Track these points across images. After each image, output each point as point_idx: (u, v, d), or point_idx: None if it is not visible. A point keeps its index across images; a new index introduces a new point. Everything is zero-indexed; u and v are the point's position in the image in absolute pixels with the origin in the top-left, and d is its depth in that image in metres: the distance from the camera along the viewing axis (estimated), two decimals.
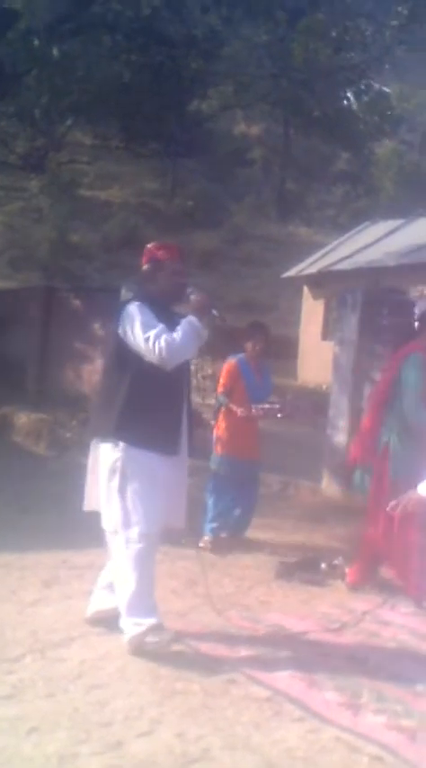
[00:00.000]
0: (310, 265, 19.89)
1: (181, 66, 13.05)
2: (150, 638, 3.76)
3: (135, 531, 3.79)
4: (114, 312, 4.05)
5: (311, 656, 3.94)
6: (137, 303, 3.96)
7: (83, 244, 25.53)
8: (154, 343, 3.80)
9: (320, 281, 18.85)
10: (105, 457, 3.91)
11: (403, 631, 4.39)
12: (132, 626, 3.77)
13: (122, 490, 3.83)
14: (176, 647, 3.86)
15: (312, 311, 19.18)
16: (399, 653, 4.09)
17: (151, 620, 3.76)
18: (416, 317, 5.38)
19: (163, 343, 3.79)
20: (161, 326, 3.85)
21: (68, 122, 20.00)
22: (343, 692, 3.52)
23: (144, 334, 3.83)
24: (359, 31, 13.94)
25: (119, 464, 3.84)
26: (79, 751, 2.85)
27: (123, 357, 3.94)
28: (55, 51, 10.54)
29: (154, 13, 11.20)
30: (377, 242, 19.20)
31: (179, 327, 3.88)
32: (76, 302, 11.87)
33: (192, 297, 4.01)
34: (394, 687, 3.62)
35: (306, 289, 19.71)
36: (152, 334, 3.82)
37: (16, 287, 17.84)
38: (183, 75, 13.43)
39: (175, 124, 15.86)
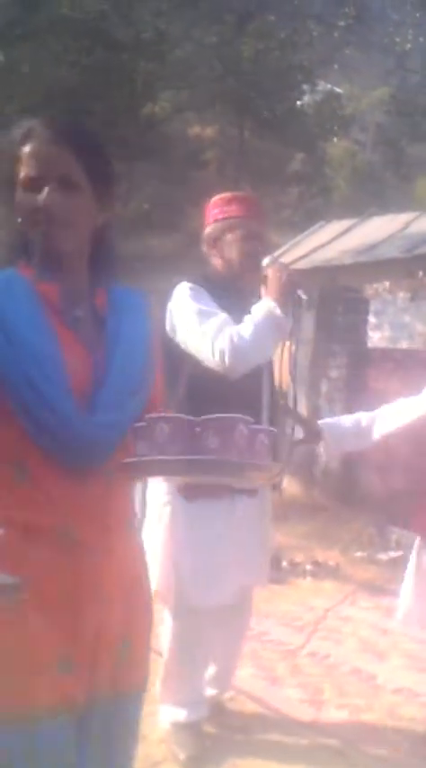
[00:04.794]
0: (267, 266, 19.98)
1: (130, 68, 13.04)
2: (177, 749, 2.88)
3: (182, 603, 2.80)
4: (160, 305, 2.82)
5: (273, 653, 3.95)
6: (188, 284, 2.77)
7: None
8: (212, 341, 2.59)
9: None
10: (153, 501, 2.70)
11: (363, 626, 4.42)
12: (166, 713, 2.97)
13: (168, 545, 2.78)
14: None
15: None
16: (360, 648, 4.12)
17: (183, 714, 2.92)
18: None
19: (225, 342, 2.57)
20: (223, 317, 2.65)
21: None
22: (305, 688, 3.53)
23: (199, 327, 2.64)
24: (308, 32, 14.10)
25: (164, 510, 2.79)
26: None
27: (174, 363, 2.57)
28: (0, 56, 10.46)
29: (100, 16, 11.19)
30: (331, 241, 19.32)
31: (248, 317, 2.65)
32: None
33: (270, 272, 2.76)
34: (356, 682, 3.65)
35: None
36: (210, 328, 2.61)
37: None
38: (133, 77, 13.43)
39: (128, 127, 15.83)
